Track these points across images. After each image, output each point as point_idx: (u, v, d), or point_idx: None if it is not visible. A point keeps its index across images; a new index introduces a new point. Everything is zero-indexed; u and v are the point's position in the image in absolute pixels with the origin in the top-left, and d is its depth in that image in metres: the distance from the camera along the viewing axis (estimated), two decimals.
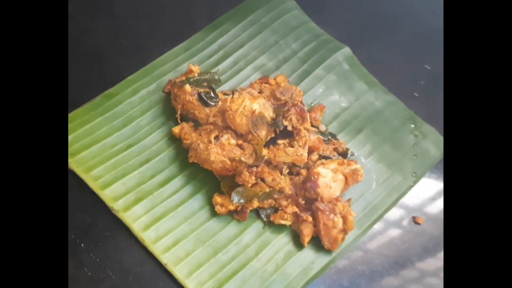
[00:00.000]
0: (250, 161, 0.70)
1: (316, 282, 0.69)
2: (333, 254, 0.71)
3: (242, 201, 0.71)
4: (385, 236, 0.75)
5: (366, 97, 0.86)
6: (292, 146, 0.72)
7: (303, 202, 0.71)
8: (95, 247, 0.68)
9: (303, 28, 0.93)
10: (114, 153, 0.75)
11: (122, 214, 0.70)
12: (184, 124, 0.76)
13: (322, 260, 0.71)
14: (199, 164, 0.73)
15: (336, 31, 0.93)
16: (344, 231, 0.70)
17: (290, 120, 0.72)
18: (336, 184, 0.71)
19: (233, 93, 0.74)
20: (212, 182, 0.74)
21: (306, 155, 0.72)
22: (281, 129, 0.72)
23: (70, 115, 0.77)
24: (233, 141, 0.72)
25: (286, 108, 0.72)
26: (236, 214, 0.72)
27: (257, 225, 0.72)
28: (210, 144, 0.71)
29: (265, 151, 0.71)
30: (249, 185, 0.70)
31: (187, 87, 0.75)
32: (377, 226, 0.75)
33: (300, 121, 0.73)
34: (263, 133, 0.72)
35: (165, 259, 0.67)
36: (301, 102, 0.75)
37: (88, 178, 0.72)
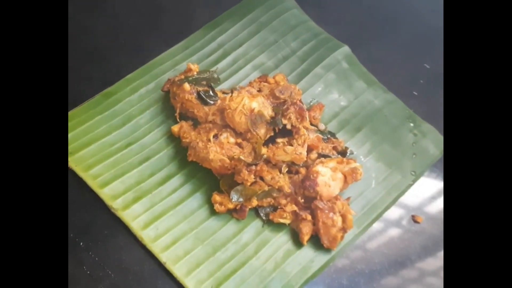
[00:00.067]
0: (249, 160, 0.70)
1: (316, 280, 0.69)
2: (332, 252, 0.71)
3: (241, 199, 0.71)
4: (384, 235, 0.75)
5: (365, 96, 0.86)
6: (291, 145, 0.72)
7: (302, 200, 0.71)
8: (94, 246, 0.68)
9: (302, 27, 0.93)
10: (113, 152, 0.75)
11: (121, 213, 0.70)
12: (183, 123, 0.76)
13: (321, 258, 0.70)
14: (198, 162, 0.73)
15: (336, 31, 0.93)
16: (343, 229, 0.70)
17: (289, 118, 0.72)
18: (335, 183, 0.71)
19: (232, 92, 0.74)
20: (211, 181, 0.74)
21: (305, 153, 0.72)
22: (280, 127, 0.72)
23: (69, 113, 0.77)
24: (232, 140, 0.72)
25: (285, 106, 0.72)
26: (235, 213, 0.72)
27: (256, 223, 0.72)
28: (209, 143, 0.71)
29: (264, 150, 0.71)
30: (248, 183, 0.70)
31: (186, 85, 0.75)
32: (376, 225, 0.75)
33: (299, 120, 0.73)
34: (262, 131, 0.72)
35: (164, 257, 0.67)
36: (300, 101, 0.75)
37: (87, 177, 0.72)
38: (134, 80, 0.82)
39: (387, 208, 0.76)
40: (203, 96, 0.75)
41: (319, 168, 0.71)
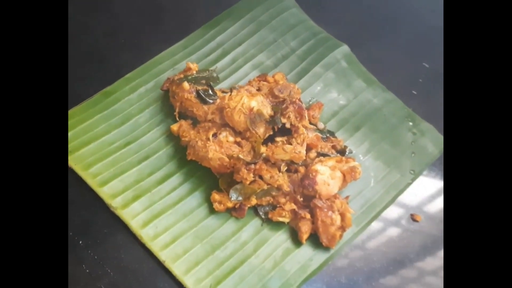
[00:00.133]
0: (248, 159, 0.71)
1: (314, 279, 0.69)
2: (331, 251, 0.71)
3: (240, 198, 0.71)
4: (383, 234, 0.75)
5: (365, 95, 0.86)
6: (290, 144, 0.72)
7: (301, 199, 0.71)
8: (93, 244, 0.68)
9: (301, 26, 0.93)
10: (113, 151, 0.75)
11: (121, 211, 0.70)
12: (183, 122, 0.77)
13: (320, 257, 0.71)
14: (198, 161, 0.73)
15: (335, 30, 0.93)
16: (342, 228, 0.71)
17: (288, 117, 0.72)
18: (334, 182, 0.71)
19: (231, 91, 0.74)
20: (210, 180, 0.74)
21: (304, 152, 0.72)
22: (279, 126, 0.72)
23: (68, 112, 0.77)
24: (231, 139, 0.72)
25: (284, 105, 0.72)
26: (234, 212, 0.72)
27: (255, 222, 0.72)
28: (208, 142, 0.71)
29: (263, 149, 0.71)
30: (247, 182, 0.70)
31: (186, 84, 0.75)
32: (375, 224, 0.75)
33: (298, 119, 0.73)
34: (261, 130, 0.72)
35: (163, 256, 0.68)
36: (299, 100, 0.75)
37: (87, 175, 0.72)
38: (133, 79, 0.82)
39: (386, 207, 0.76)
40: (203, 95, 0.75)
41: (318, 167, 0.71)
